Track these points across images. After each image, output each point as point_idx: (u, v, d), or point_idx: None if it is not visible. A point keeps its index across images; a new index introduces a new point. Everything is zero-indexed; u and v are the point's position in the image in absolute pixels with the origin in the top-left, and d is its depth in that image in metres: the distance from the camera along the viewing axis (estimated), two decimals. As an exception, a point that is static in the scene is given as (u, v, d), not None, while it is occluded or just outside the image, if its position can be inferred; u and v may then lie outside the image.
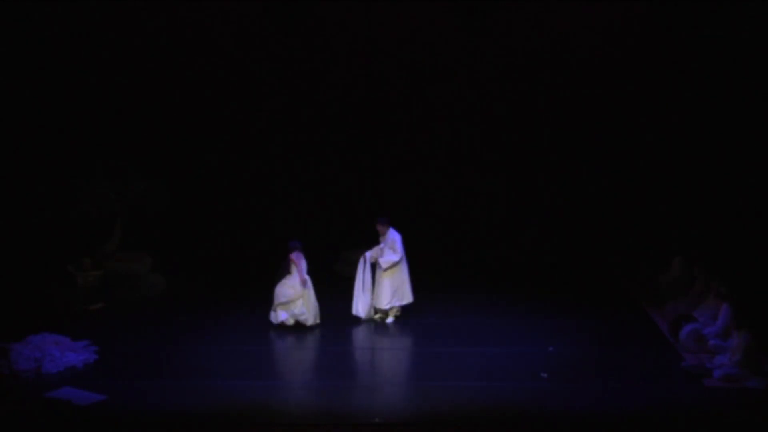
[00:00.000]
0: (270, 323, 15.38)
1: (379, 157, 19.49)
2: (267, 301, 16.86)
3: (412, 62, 18.97)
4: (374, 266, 15.70)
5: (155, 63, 18.48)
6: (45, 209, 17.37)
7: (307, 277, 15.32)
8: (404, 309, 16.31)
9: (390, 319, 15.78)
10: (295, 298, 15.27)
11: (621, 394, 12.84)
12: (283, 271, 15.40)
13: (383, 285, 15.64)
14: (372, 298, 15.68)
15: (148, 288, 17.39)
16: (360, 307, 15.63)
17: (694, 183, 18.32)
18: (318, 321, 15.47)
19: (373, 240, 15.90)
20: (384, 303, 15.67)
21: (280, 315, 15.31)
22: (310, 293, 15.38)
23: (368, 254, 15.64)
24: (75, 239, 17.40)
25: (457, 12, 18.25)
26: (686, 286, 16.67)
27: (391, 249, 15.56)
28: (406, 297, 15.77)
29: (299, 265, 15.30)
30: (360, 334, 15.45)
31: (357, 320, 15.70)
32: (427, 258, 19.11)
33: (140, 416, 11.91)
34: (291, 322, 15.33)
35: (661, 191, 18.79)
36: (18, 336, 13.74)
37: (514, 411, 12.29)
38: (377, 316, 15.80)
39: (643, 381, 13.32)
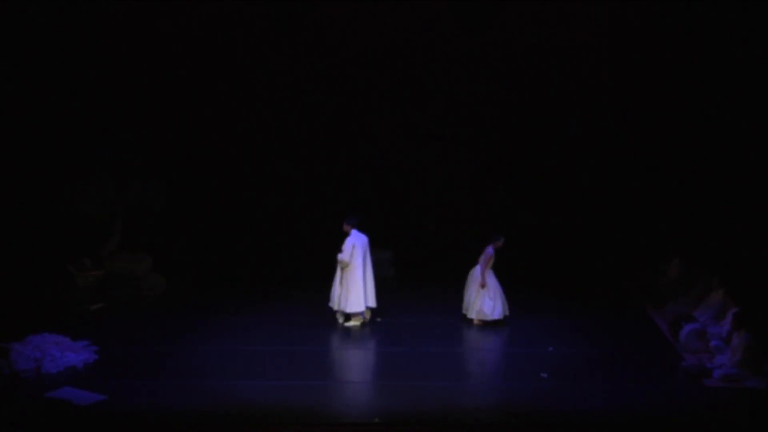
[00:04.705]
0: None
1: (380, 157, 19.48)
2: (267, 301, 16.92)
3: (413, 63, 19.00)
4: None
5: (155, 63, 18.46)
6: (45, 209, 17.34)
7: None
8: (406, 309, 16.35)
9: (348, 323, 15.66)
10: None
11: (621, 394, 12.85)
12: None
13: (340, 287, 15.64)
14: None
15: (148, 288, 17.38)
16: (333, 300, 15.69)
17: (694, 183, 18.31)
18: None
19: (375, 240, 15.91)
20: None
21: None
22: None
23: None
24: (75, 239, 17.38)
25: (456, 12, 18.25)
26: (686, 286, 16.70)
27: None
28: (352, 305, 15.44)
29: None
30: (360, 335, 15.46)
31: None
32: (427, 258, 19.19)
33: (140, 416, 11.91)
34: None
35: (660, 191, 18.79)
36: (18, 336, 13.73)
37: (514, 411, 12.29)
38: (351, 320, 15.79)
39: (643, 381, 13.33)
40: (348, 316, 15.66)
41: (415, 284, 18.15)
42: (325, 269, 16.43)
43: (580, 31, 18.36)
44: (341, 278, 15.50)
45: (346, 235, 15.50)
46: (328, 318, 15.67)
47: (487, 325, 15.64)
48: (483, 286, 15.55)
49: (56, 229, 17.31)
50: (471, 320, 15.77)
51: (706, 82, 17.81)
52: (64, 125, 17.78)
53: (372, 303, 15.66)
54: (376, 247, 16.10)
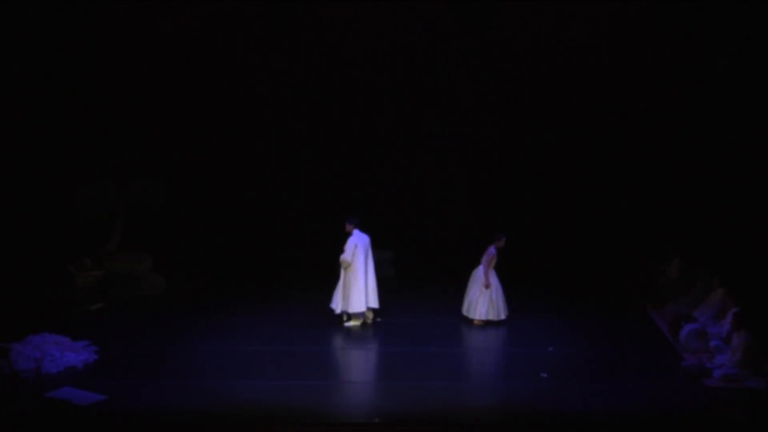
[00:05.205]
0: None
1: (380, 156, 19.49)
2: (267, 301, 16.92)
3: (413, 63, 19.01)
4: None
5: (155, 63, 18.46)
6: (45, 209, 17.34)
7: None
8: (406, 309, 16.36)
9: (348, 323, 15.66)
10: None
11: (621, 394, 12.85)
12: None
13: (342, 287, 15.60)
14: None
15: (148, 288, 17.38)
16: (334, 300, 15.63)
17: (694, 183, 18.31)
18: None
19: (375, 240, 15.91)
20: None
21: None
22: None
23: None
24: (75, 239, 17.38)
25: (456, 12, 18.25)
26: (686, 286, 16.70)
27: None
28: (353, 305, 15.43)
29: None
30: (359, 335, 15.45)
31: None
32: (427, 258, 19.18)
33: (140, 416, 11.91)
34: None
35: (660, 191, 18.79)
36: (18, 336, 13.73)
37: (514, 411, 12.30)
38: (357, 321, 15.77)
39: (643, 381, 13.33)
40: (349, 316, 15.65)
41: (415, 284, 18.15)
42: (325, 269, 16.45)
43: (580, 31, 18.36)
44: (342, 279, 15.49)
45: (348, 235, 15.50)
46: (328, 318, 15.66)
47: (487, 325, 15.65)
48: (487, 286, 15.56)
49: (56, 229, 17.31)
50: (471, 320, 15.78)
51: (706, 82, 17.82)
52: (64, 125, 17.78)
53: (374, 303, 15.65)
54: (376, 247, 16.07)
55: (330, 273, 15.89)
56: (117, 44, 18.12)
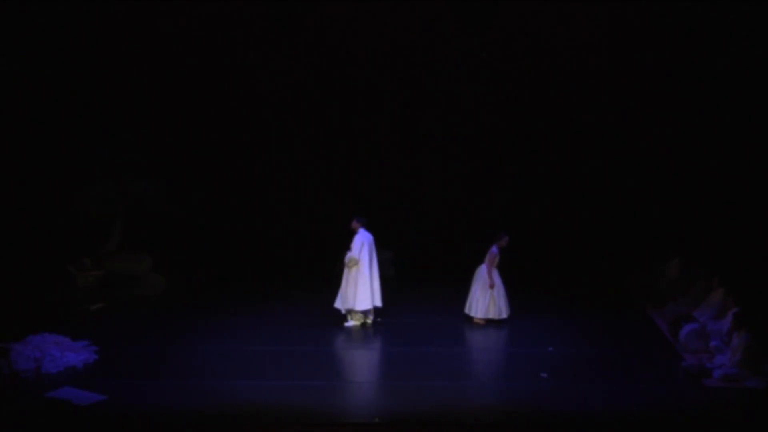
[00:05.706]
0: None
1: (380, 156, 19.49)
2: (267, 301, 16.92)
3: (413, 63, 19.00)
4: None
5: (155, 63, 18.46)
6: (45, 209, 17.34)
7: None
8: (406, 309, 16.35)
9: (348, 323, 15.66)
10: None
11: (621, 394, 12.85)
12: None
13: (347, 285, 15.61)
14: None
15: (148, 288, 17.38)
16: (339, 299, 15.64)
17: (693, 183, 18.31)
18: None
19: (375, 240, 15.90)
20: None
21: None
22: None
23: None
24: (75, 239, 17.39)
25: (456, 12, 18.23)
26: (686, 286, 16.70)
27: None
28: (360, 303, 15.42)
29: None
30: (360, 335, 15.46)
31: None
32: (426, 258, 19.17)
33: (140, 416, 11.91)
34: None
35: (660, 191, 18.79)
36: (18, 336, 13.73)
37: (514, 411, 12.30)
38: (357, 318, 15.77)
39: (643, 381, 13.33)
40: (350, 315, 15.64)
41: (415, 284, 18.15)
42: (324, 269, 16.45)
43: (580, 31, 18.35)
44: (348, 277, 15.48)
45: (353, 233, 15.51)
46: (328, 318, 15.67)
47: (488, 325, 15.66)
48: (492, 286, 15.58)
49: (56, 229, 17.31)
50: (472, 319, 15.79)
51: (706, 82, 17.81)
52: (65, 125, 17.78)
53: (378, 302, 15.66)
54: (376, 247, 16.08)
55: (330, 273, 15.88)
56: (117, 44, 18.12)
